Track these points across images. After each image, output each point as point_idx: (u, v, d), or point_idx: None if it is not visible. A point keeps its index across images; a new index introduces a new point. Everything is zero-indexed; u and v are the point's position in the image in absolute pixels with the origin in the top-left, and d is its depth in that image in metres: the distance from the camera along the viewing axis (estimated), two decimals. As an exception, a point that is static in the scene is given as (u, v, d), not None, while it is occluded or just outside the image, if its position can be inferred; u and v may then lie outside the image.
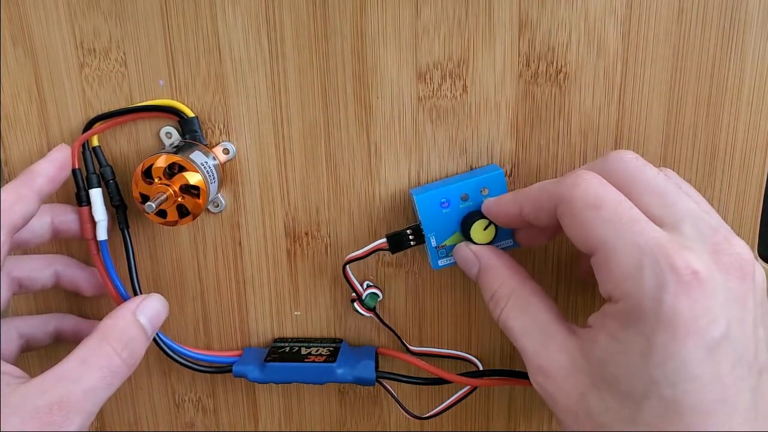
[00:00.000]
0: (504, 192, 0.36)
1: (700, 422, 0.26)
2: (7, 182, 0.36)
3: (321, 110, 0.38)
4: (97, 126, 0.38)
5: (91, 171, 0.38)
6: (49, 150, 0.38)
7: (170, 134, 0.38)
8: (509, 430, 0.44)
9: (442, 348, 0.42)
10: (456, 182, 0.36)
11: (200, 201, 0.36)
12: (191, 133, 0.38)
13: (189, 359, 0.41)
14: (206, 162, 0.37)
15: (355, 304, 0.40)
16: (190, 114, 0.38)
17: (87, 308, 0.43)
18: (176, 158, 0.36)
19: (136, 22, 0.37)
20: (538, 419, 0.43)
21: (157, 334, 0.39)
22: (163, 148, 0.38)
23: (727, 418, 0.26)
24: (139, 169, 0.36)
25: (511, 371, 0.40)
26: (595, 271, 0.29)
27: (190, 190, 0.36)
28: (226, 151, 0.39)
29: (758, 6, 0.34)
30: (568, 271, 0.40)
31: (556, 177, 0.38)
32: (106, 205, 0.38)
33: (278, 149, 0.39)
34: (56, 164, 0.37)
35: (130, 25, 0.37)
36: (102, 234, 0.38)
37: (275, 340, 0.42)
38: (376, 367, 0.40)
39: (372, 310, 0.40)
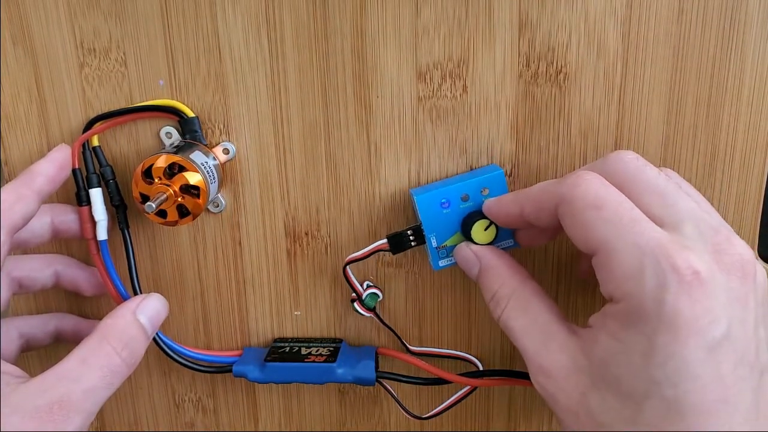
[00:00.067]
0: (504, 192, 0.36)
1: (701, 422, 0.26)
2: (7, 182, 0.36)
3: (321, 110, 0.38)
4: (97, 126, 0.38)
5: (91, 171, 0.38)
6: (49, 150, 0.38)
7: (170, 134, 0.38)
8: (509, 430, 0.44)
9: (442, 348, 0.42)
10: (456, 182, 0.36)
11: (200, 201, 0.36)
12: (191, 133, 0.38)
13: (189, 359, 0.41)
14: (206, 162, 0.37)
15: (355, 304, 0.40)
16: (190, 114, 0.38)
17: (87, 308, 0.43)
18: (176, 158, 0.36)
19: (136, 22, 0.37)
20: (538, 419, 0.43)
21: (157, 333, 0.39)
22: (163, 148, 0.38)
23: (728, 418, 0.26)
24: (139, 169, 0.36)
25: (511, 371, 0.40)
26: (596, 272, 0.29)
27: (190, 190, 0.36)
28: (226, 151, 0.39)
29: (758, 6, 0.34)
30: (568, 271, 0.40)
31: (556, 177, 0.38)
32: (106, 205, 0.38)
33: (278, 149, 0.39)
34: (56, 164, 0.37)
35: (130, 25, 0.37)
36: (102, 234, 0.38)
37: (275, 340, 0.42)
38: (376, 367, 0.40)
39: (372, 310, 0.40)
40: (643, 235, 0.28)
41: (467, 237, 0.36)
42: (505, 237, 0.37)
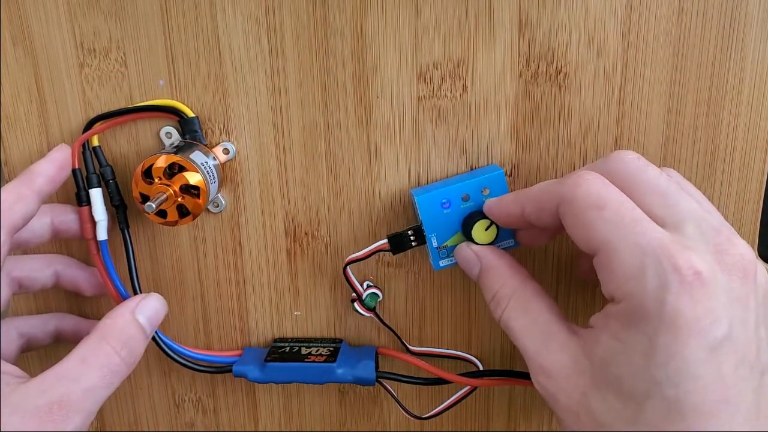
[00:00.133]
0: (505, 192, 0.36)
1: (702, 422, 0.26)
2: (7, 182, 0.36)
3: (321, 110, 0.38)
4: (97, 126, 0.38)
5: (91, 171, 0.38)
6: (49, 150, 0.38)
7: (170, 134, 0.38)
8: (509, 430, 0.44)
9: (442, 348, 0.42)
10: (457, 182, 0.36)
11: (200, 201, 0.36)
12: (191, 133, 0.38)
13: (189, 359, 0.41)
14: (206, 162, 0.37)
15: (355, 304, 0.40)
16: (190, 114, 0.38)
17: (87, 308, 0.42)
18: (176, 158, 0.36)
19: (136, 22, 0.37)
20: (538, 419, 0.43)
21: (157, 334, 0.39)
22: (163, 148, 0.38)
23: (729, 418, 0.26)
24: (139, 169, 0.36)
25: (511, 371, 0.41)
26: (598, 272, 0.29)
27: (190, 190, 0.36)
28: (226, 151, 0.39)
29: (758, 6, 0.34)
30: (568, 271, 0.40)
31: (556, 177, 0.38)
32: (106, 205, 0.38)
33: (278, 149, 0.39)
34: (56, 164, 0.37)
35: (130, 25, 0.37)
36: (102, 234, 0.38)
37: (275, 340, 0.42)
38: (376, 367, 0.40)
39: (372, 310, 0.40)
40: (645, 235, 0.28)
41: (468, 237, 0.36)
42: (506, 237, 0.37)
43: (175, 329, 0.43)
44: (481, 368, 0.41)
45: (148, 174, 0.36)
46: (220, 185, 0.39)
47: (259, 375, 0.40)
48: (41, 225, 0.38)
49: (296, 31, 0.36)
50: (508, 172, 0.38)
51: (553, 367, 0.31)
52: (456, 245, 0.37)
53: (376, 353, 0.41)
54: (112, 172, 0.38)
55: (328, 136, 0.38)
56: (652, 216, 0.29)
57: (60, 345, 0.41)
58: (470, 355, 0.41)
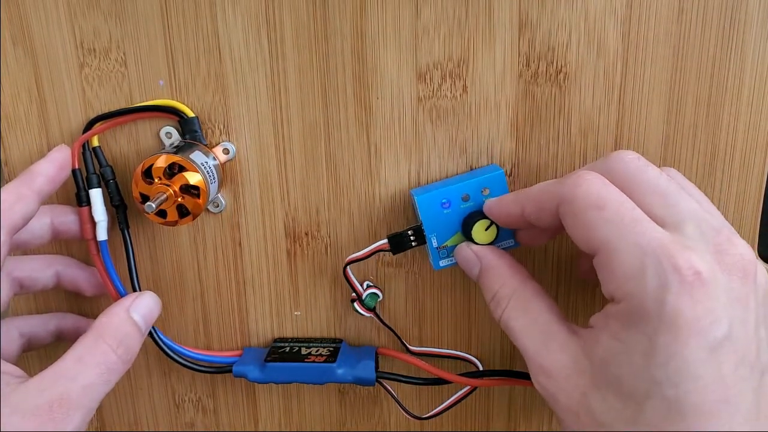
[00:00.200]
0: (505, 192, 0.36)
1: (702, 423, 0.26)
2: (7, 182, 0.36)
3: (321, 110, 0.38)
4: (97, 126, 0.38)
5: (91, 171, 0.38)
6: (49, 150, 0.38)
7: (170, 134, 0.38)
8: (509, 430, 0.44)
9: (442, 348, 0.42)
10: (457, 183, 0.36)
11: (200, 201, 0.36)
12: (191, 133, 0.38)
13: (189, 359, 0.41)
14: (206, 162, 0.37)
15: (355, 304, 0.40)
16: (190, 114, 0.38)
17: (86, 308, 0.42)
18: (176, 158, 0.36)
19: (136, 22, 0.37)
20: (538, 419, 0.43)
21: (157, 334, 0.39)
22: (163, 148, 0.38)
23: (729, 418, 0.26)
24: (139, 169, 0.36)
25: (511, 371, 0.41)
26: (598, 272, 0.29)
27: (190, 190, 0.36)
28: (226, 151, 0.39)
29: (758, 6, 0.34)
30: (568, 271, 0.40)
31: (556, 177, 0.38)
32: (106, 205, 0.38)
33: (278, 149, 0.39)
34: (56, 164, 0.37)
35: (130, 25, 0.37)
36: (102, 234, 0.38)
37: (275, 340, 0.42)
38: (376, 367, 0.40)
39: (372, 310, 0.40)
40: (645, 235, 0.28)
41: (468, 237, 0.36)
42: (506, 237, 0.37)
43: (175, 329, 0.43)
44: (481, 368, 0.41)
45: (148, 174, 0.36)
46: (220, 185, 0.39)
47: (259, 375, 0.40)
48: (41, 226, 0.38)
49: (296, 31, 0.36)
50: (508, 172, 0.38)
51: (553, 367, 0.31)
52: (456, 245, 0.37)
53: (376, 353, 0.41)
54: (112, 172, 0.38)
55: (328, 137, 0.38)
56: (652, 216, 0.29)
57: (60, 344, 0.41)
58: (470, 355, 0.41)
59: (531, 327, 0.32)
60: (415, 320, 0.42)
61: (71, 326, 0.41)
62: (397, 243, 0.37)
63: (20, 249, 0.39)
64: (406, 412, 0.41)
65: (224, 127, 0.38)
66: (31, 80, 0.38)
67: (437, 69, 0.37)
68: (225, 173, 0.39)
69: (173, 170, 0.36)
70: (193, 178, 0.36)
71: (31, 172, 0.36)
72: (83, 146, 0.38)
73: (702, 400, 0.26)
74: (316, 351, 0.40)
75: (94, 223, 0.38)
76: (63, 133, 0.39)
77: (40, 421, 0.31)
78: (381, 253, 0.39)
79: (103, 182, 0.38)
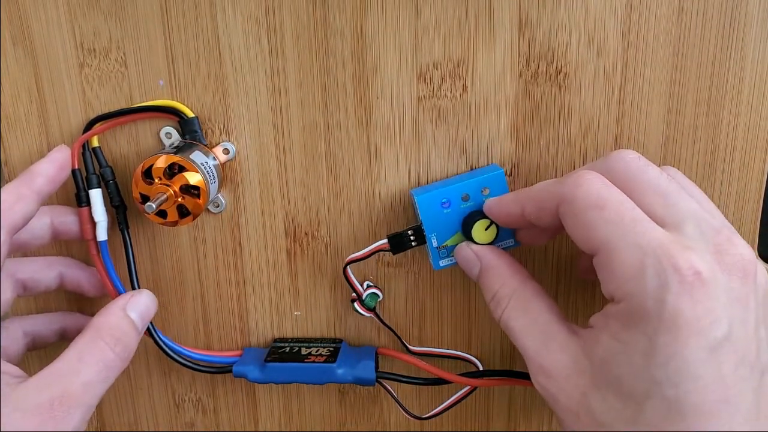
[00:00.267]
0: (505, 192, 0.36)
1: (702, 423, 0.26)
2: (7, 182, 0.36)
3: (321, 110, 0.38)
4: (97, 126, 0.38)
5: (91, 171, 0.38)
6: (49, 150, 0.38)
7: (170, 134, 0.38)
8: (509, 430, 0.44)
9: (442, 348, 0.42)
10: (457, 182, 0.36)
11: (200, 201, 0.36)
12: (191, 133, 0.38)
13: (189, 359, 0.41)
14: (206, 162, 0.37)
15: (355, 304, 0.40)
16: (190, 114, 0.38)
17: (86, 308, 0.42)
18: (176, 158, 0.36)
19: (136, 22, 0.37)
20: (538, 419, 0.43)
21: (157, 334, 0.39)
22: (163, 149, 0.38)
23: (729, 418, 0.26)
24: (139, 170, 0.36)
25: (511, 371, 0.41)
26: (598, 271, 0.29)
27: (190, 190, 0.36)
28: (226, 151, 0.39)
29: (758, 6, 0.34)
30: (568, 271, 0.40)
31: (556, 177, 0.38)
32: (106, 205, 0.38)
33: (278, 149, 0.39)
34: (56, 164, 0.37)
35: (130, 25, 0.37)
36: (102, 234, 0.38)
37: (275, 340, 0.42)
38: (376, 367, 0.40)
39: (372, 310, 0.40)
40: (645, 235, 0.28)
41: (468, 237, 0.36)
42: (506, 237, 0.37)
43: (175, 329, 0.43)
44: (481, 368, 0.41)
45: (148, 174, 0.36)
46: (220, 185, 0.39)
47: (259, 375, 0.40)
48: (41, 226, 0.38)
49: (296, 31, 0.36)
50: (508, 172, 0.38)
51: (553, 367, 0.31)
52: (456, 245, 0.37)
53: (376, 353, 0.41)
54: (112, 172, 0.38)
55: (328, 137, 0.38)
56: (652, 216, 0.29)
57: (60, 344, 0.41)
58: (470, 355, 0.41)
59: (531, 327, 0.32)
60: (415, 320, 0.42)
61: (75, 325, 0.41)
62: (397, 243, 0.37)
63: (20, 249, 0.39)
64: (406, 412, 0.41)
65: (224, 127, 0.38)
66: (31, 80, 0.38)
67: (437, 69, 0.37)
68: (225, 173, 0.39)
69: (173, 170, 0.36)
70: (193, 178, 0.36)
71: (31, 172, 0.36)
72: (83, 146, 0.38)
73: (702, 400, 0.26)
74: (316, 351, 0.40)
75: (94, 224, 0.38)
76: (63, 133, 0.39)
77: (41, 419, 0.31)
78: (381, 253, 0.39)
79: (103, 182, 0.38)
